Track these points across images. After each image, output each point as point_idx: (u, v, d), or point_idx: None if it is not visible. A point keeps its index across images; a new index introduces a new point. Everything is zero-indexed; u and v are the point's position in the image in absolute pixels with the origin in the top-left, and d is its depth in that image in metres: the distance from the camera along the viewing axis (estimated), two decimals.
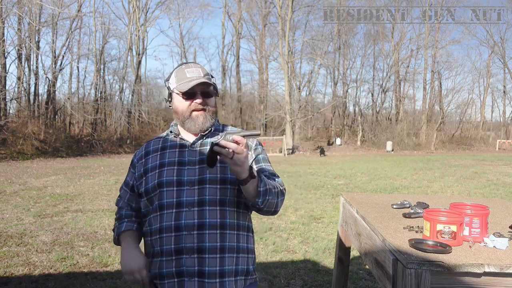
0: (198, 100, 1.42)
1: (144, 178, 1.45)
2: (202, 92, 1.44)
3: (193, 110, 1.44)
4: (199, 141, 1.49)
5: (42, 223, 5.40)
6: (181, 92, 1.43)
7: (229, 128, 1.55)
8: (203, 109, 1.44)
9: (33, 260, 3.94)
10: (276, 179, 1.46)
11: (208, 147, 1.45)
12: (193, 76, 1.43)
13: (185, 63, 1.51)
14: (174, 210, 1.36)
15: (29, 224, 5.39)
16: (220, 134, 1.52)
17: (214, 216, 1.37)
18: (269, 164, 1.54)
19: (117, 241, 1.49)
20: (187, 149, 1.46)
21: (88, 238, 4.74)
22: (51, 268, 3.74)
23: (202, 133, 1.49)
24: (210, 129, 1.51)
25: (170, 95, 1.49)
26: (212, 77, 1.53)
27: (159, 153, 1.49)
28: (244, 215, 1.47)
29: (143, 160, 1.51)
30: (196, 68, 1.47)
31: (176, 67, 1.50)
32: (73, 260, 3.98)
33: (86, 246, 4.43)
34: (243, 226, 1.46)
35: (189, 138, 1.48)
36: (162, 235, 1.37)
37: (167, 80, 1.50)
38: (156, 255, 1.39)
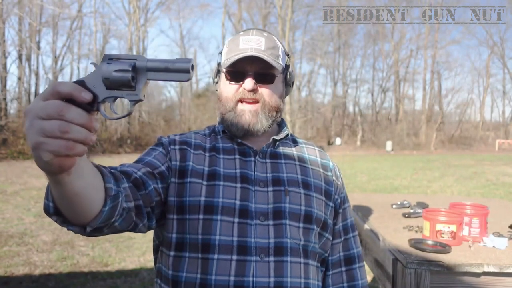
0: (247, 85, 0.91)
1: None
2: (257, 73, 0.92)
3: (240, 100, 0.94)
4: (270, 150, 0.99)
5: (42, 223, 5.41)
6: (225, 69, 0.96)
7: (300, 141, 1.08)
8: (255, 101, 0.93)
9: (33, 259, 3.94)
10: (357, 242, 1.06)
11: (283, 162, 0.98)
12: (247, 47, 0.92)
13: (250, 29, 1.00)
14: (234, 257, 0.86)
15: (29, 224, 5.40)
16: (290, 143, 1.05)
17: (297, 273, 0.88)
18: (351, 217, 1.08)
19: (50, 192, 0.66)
20: (253, 160, 0.96)
21: (88, 238, 4.75)
22: (51, 268, 3.75)
23: (276, 138, 0.99)
24: (287, 133, 1.02)
25: (218, 73, 1.01)
26: (287, 55, 1.00)
27: (207, 154, 0.96)
28: (321, 274, 0.99)
29: (178, 148, 0.95)
30: (257, 36, 0.94)
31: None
32: (74, 259, 3.99)
33: (87, 245, 4.44)
34: None
35: (252, 142, 0.97)
36: None
37: (220, 52, 1.01)
38: None
